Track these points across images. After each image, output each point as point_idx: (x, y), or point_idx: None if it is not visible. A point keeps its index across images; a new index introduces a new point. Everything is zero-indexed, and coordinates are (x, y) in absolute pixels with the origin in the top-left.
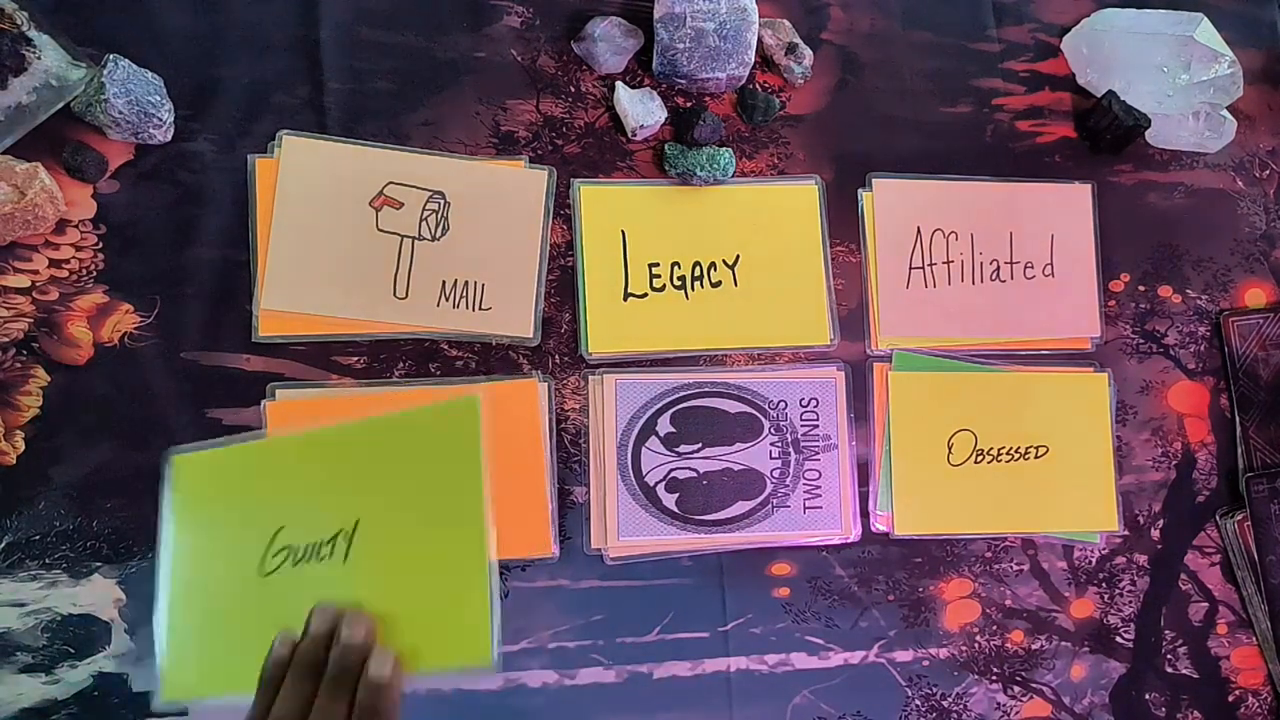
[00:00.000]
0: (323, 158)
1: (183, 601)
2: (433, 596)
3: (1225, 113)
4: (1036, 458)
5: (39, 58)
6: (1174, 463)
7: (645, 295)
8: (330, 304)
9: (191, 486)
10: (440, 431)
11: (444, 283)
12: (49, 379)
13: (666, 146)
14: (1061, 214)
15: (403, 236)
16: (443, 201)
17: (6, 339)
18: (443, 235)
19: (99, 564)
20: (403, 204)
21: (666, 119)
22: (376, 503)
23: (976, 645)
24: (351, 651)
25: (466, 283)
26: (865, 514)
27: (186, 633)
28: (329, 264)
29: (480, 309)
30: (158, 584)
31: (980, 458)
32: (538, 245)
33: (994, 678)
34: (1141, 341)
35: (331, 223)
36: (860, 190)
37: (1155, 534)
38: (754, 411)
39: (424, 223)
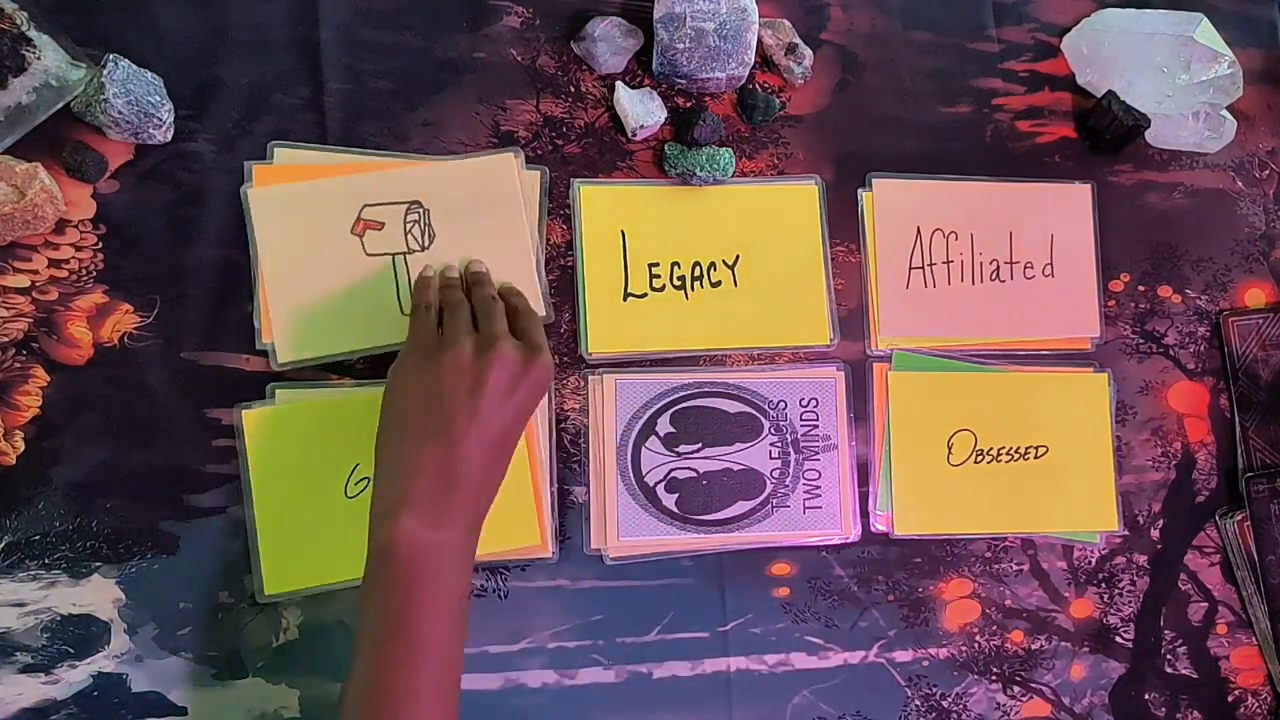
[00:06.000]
0: (294, 201)
1: (274, 519)
2: (494, 510)
3: (1225, 113)
4: (1036, 458)
5: (39, 58)
6: (1174, 463)
7: (645, 295)
8: (341, 342)
9: (263, 435)
10: None
11: None
12: (49, 379)
13: (666, 146)
14: (1061, 214)
15: (393, 254)
16: (421, 210)
17: (6, 339)
18: (431, 243)
19: (99, 564)
20: (383, 223)
21: (666, 119)
22: None
23: (976, 645)
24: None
25: None
26: (865, 514)
27: (281, 542)
28: (330, 303)
29: None
30: (246, 501)
31: (980, 458)
32: (524, 224)
33: (994, 678)
34: (1141, 341)
35: (321, 262)
36: (860, 190)
37: (1155, 534)
38: (754, 411)
39: (409, 235)
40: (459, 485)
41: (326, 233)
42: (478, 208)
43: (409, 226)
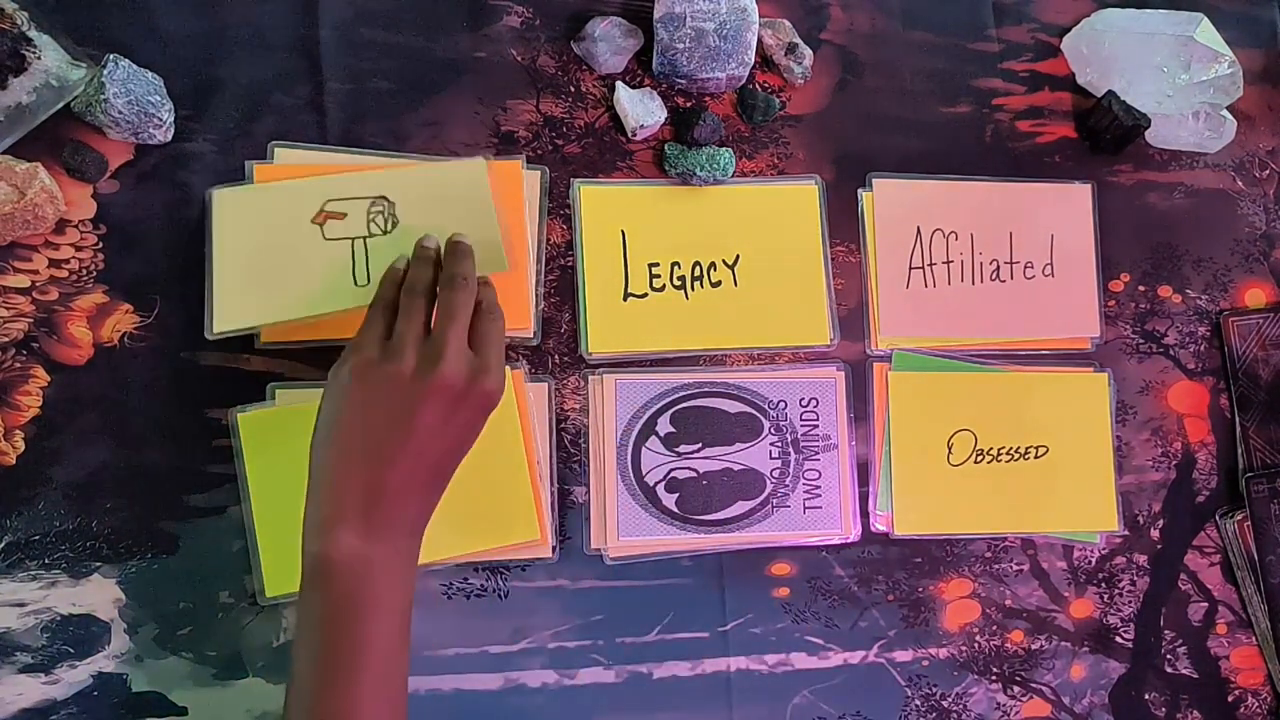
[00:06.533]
0: (253, 204)
1: (274, 520)
2: (493, 505)
3: (1225, 113)
4: (1036, 458)
5: (39, 58)
6: (1174, 463)
7: (645, 295)
8: (285, 308)
9: (259, 437)
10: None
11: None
12: (49, 379)
13: (666, 146)
14: (1061, 214)
15: (353, 238)
16: (387, 203)
17: (6, 339)
18: (393, 228)
19: (99, 564)
20: (346, 214)
21: (666, 119)
22: None
23: (976, 645)
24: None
25: None
26: (865, 514)
27: (281, 543)
28: (278, 277)
29: None
30: (245, 505)
31: (980, 458)
32: (496, 229)
33: (994, 678)
34: (1141, 341)
35: (275, 246)
36: (860, 190)
37: (1155, 534)
38: (754, 411)
39: (372, 222)
40: (390, 504)
41: (285, 223)
42: (446, 210)
43: (373, 215)
